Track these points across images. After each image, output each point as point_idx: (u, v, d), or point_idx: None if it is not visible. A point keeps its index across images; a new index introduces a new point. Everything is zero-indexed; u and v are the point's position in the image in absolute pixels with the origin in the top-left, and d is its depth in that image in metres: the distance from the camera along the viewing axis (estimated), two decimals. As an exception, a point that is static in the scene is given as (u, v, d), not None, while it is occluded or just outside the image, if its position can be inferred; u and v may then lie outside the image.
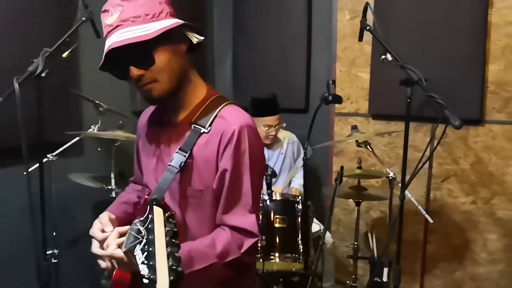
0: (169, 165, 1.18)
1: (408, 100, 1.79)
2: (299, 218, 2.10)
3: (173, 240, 0.86)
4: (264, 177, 2.03)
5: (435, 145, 2.43)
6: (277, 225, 2.07)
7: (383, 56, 1.87)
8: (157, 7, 1.14)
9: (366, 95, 2.92)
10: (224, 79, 3.64)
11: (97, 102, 2.31)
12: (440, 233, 2.79)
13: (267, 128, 2.73)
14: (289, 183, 2.92)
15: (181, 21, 1.16)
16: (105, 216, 1.25)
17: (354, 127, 2.36)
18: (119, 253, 1.02)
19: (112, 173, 2.36)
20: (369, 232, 2.78)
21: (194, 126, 1.21)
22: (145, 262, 0.85)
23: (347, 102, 3.00)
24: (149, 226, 0.91)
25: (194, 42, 1.20)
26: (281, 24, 3.23)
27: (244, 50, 3.44)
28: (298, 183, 2.84)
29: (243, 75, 3.48)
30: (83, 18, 2.09)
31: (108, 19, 1.12)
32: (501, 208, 2.61)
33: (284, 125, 2.80)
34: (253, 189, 1.20)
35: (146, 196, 1.21)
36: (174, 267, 0.81)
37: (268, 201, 2.05)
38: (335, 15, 2.99)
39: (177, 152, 1.19)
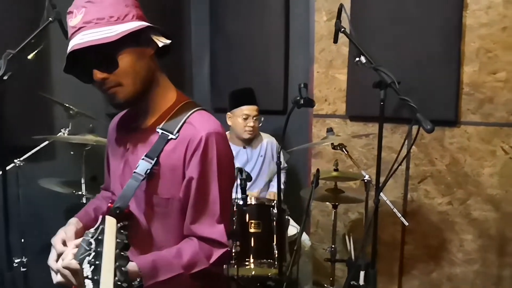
0: (134, 172, 1.15)
1: (382, 103, 1.78)
2: (275, 222, 2.07)
3: (122, 253, 0.82)
4: (239, 181, 2.00)
5: (410, 146, 2.46)
6: (252, 230, 2.04)
7: (357, 59, 1.85)
8: (122, 9, 1.11)
9: (344, 97, 2.92)
10: (202, 80, 3.60)
11: (66, 105, 2.25)
12: (417, 234, 2.80)
13: (245, 118, 2.70)
14: (268, 187, 2.90)
15: (146, 24, 1.13)
16: (72, 228, 1.21)
17: (330, 130, 2.34)
18: (75, 264, 0.96)
19: (82, 179, 2.30)
20: (346, 235, 2.77)
21: (162, 132, 1.17)
22: (90, 276, 0.81)
23: (325, 104, 2.99)
24: (99, 237, 0.87)
25: (159, 46, 1.16)
26: (259, 25, 3.20)
27: (221, 51, 3.40)
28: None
29: (220, 76, 3.44)
30: (50, 18, 2.03)
31: (72, 21, 1.09)
32: (476, 208, 2.63)
33: (262, 119, 2.77)
34: (221, 198, 1.17)
35: (109, 204, 1.17)
36: (119, 283, 0.77)
37: (243, 206, 2.01)
38: (312, 16, 2.97)
39: (143, 158, 1.15)
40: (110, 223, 0.88)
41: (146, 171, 1.14)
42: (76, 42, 1.05)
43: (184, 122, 1.18)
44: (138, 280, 1.06)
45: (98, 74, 1.09)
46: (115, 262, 0.80)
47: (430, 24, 2.55)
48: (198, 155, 1.14)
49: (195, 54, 3.63)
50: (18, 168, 2.14)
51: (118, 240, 0.85)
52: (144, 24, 1.12)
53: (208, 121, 1.20)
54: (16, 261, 2.13)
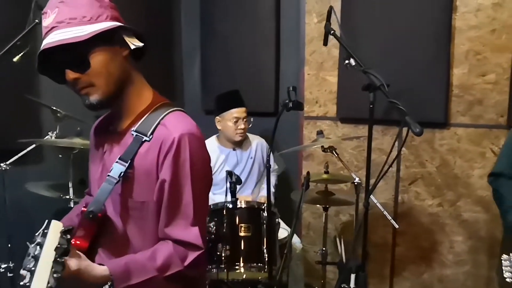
0: (108, 175, 1.14)
1: (371, 106, 1.77)
2: (265, 225, 2.06)
3: (59, 259, 0.79)
4: (229, 184, 1.99)
5: (400, 148, 2.46)
6: (242, 233, 2.03)
7: (346, 61, 1.86)
8: (96, 10, 1.10)
9: (334, 99, 2.91)
10: (192, 82, 3.58)
11: (54, 108, 2.22)
12: (408, 235, 2.80)
13: (235, 121, 2.69)
14: (259, 190, 2.89)
15: (117, 24, 1.11)
16: None
17: (320, 133, 2.34)
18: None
19: (70, 182, 2.27)
20: (337, 237, 2.77)
21: (136, 134, 1.16)
22: (22, 284, 0.79)
23: (316, 106, 2.98)
24: (40, 241, 0.85)
25: (131, 48, 1.15)
26: (250, 26, 3.19)
27: (212, 52, 3.38)
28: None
29: (211, 78, 3.42)
30: (37, 20, 2.01)
31: (45, 21, 1.08)
32: (466, 210, 2.64)
33: (252, 119, 2.76)
34: (195, 200, 1.15)
35: (82, 209, 1.16)
36: None
37: (232, 209, 2.00)
38: (303, 18, 2.96)
39: (116, 161, 1.14)
40: (55, 227, 0.86)
41: (120, 174, 1.13)
42: (48, 41, 1.05)
43: (158, 123, 1.16)
44: (109, 284, 1.06)
45: (70, 74, 1.09)
46: (51, 268, 0.77)
47: (420, 26, 2.56)
48: (170, 157, 1.12)
49: (186, 55, 3.61)
50: (4, 172, 2.11)
51: (58, 245, 0.82)
52: (115, 24, 1.10)
53: (181, 122, 1.18)
54: (2, 266, 2.10)
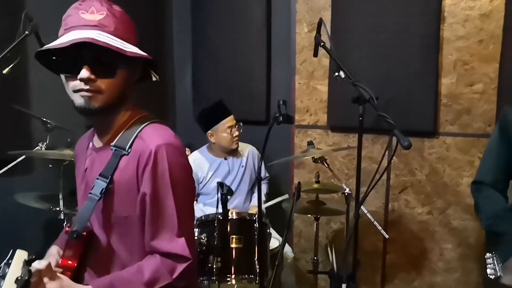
0: (90, 193, 1.14)
1: (361, 118, 1.79)
2: (256, 236, 2.06)
3: None
4: (220, 195, 1.99)
5: (390, 158, 2.48)
6: (233, 245, 2.03)
7: (336, 73, 1.87)
8: (132, 31, 1.18)
9: (325, 108, 2.93)
10: (184, 91, 3.58)
11: (43, 119, 2.21)
12: (398, 243, 2.82)
13: (229, 131, 2.71)
14: (251, 198, 2.89)
15: (149, 57, 1.16)
16: (52, 260, 1.20)
17: (310, 143, 2.35)
18: None
19: (60, 194, 2.25)
20: (328, 246, 2.78)
21: (115, 149, 1.16)
22: None
23: (307, 115, 3.00)
24: (2, 273, 0.84)
25: (153, 80, 1.22)
26: (241, 36, 3.21)
27: (203, 61, 3.39)
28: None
29: (203, 87, 3.43)
30: (27, 32, 2.00)
31: (86, 15, 1.10)
32: (456, 218, 2.67)
33: (242, 124, 2.78)
34: (179, 210, 1.15)
35: (67, 229, 1.15)
36: None
37: (224, 221, 2.00)
38: (293, 27, 2.98)
39: (97, 178, 1.14)
40: (19, 257, 0.85)
41: (101, 190, 1.13)
42: (93, 36, 1.05)
43: (136, 137, 1.17)
44: None
45: (87, 72, 1.08)
46: None
47: (409, 37, 2.59)
48: (149, 170, 1.13)
49: (177, 64, 3.61)
50: (-7, 184, 2.09)
51: (19, 276, 0.81)
52: (148, 56, 1.16)
53: (159, 133, 1.18)
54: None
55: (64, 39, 1.07)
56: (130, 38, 1.16)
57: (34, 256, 0.90)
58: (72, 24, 1.10)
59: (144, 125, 1.20)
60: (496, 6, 2.45)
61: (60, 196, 2.26)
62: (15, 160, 2.22)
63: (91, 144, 1.26)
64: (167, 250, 1.14)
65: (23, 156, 2.22)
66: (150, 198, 1.13)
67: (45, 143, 2.28)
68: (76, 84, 1.10)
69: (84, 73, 1.07)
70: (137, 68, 1.20)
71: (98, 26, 1.09)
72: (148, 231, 1.16)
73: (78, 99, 1.11)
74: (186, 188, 1.21)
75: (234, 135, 2.72)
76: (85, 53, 1.07)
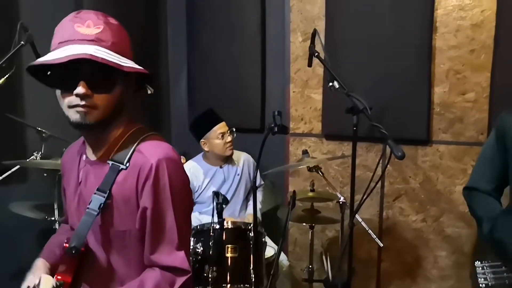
0: (88, 208, 1.13)
1: (355, 128, 1.81)
2: (252, 246, 2.07)
3: None
4: (215, 205, 2.00)
5: (385, 167, 2.50)
6: (228, 254, 2.03)
7: (330, 83, 1.89)
8: (128, 45, 1.17)
9: (319, 116, 2.95)
10: (179, 98, 3.59)
11: (38, 128, 2.21)
12: (393, 251, 2.84)
13: (221, 137, 2.71)
14: (246, 206, 2.90)
15: (146, 71, 1.16)
16: (38, 274, 1.19)
17: (305, 152, 2.37)
18: None
19: (55, 203, 2.25)
20: (323, 254, 2.78)
21: (112, 164, 1.16)
22: None
23: (301, 123, 3.02)
24: None
25: (148, 93, 1.22)
26: (236, 43, 3.23)
27: (199, 68, 3.40)
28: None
29: (198, 94, 3.44)
30: (22, 42, 2.01)
31: (82, 28, 1.08)
32: (449, 225, 2.69)
33: (234, 129, 2.78)
34: (178, 224, 1.16)
35: (65, 244, 1.14)
36: None
37: (219, 230, 2.01)
38: (288, 36, 3.01)
39: (95, 193, 1.14)
40: (46, 283, 0.87)
41: (100, 205, 1.12)
42: (91, 51, 1.04)
43: (134, 150, 1.17)
44: None
45: (84, 88, 1.07)
46: None
47: (402, 46, 2.62)
48: (149, 184, 1.13)
49: (172, 71, 3.62)
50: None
51: None
52: (146, 71, 1.15)
53: (157, 147, 1.19)
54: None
55: (60, 53, 1.05)
56: (125, 51, 1.15)
57: (63, 282, 0.91)
58: (68, 37, 1.08)
59: (141, 138, 1.20)
60: (487, 17, 2.48)
61: (55, 206, 2.26)
62: (10, 169, 2.21)
63: (84, 156, 1.25)
64: (167, 264, 1.15)
65: (18, 166, 2.21)
66: (151, 212, 1.13)
67: (40, 153, 2.28)
68: (72, 99, 1.08)
69: (81, 89, 1.06)
70: (133, 82, 1.19)
71: (95, 40, 1.08)
72: (148, 245, 1.16)
73: (74, 115, 1.10)
74: (185, 201, 1.22)
75: (227, 141, 2.72)
76: (82, 68, 1.05)
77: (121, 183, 1.15)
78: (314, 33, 2.06)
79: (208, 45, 3.32)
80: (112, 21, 1.15)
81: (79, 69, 1.06)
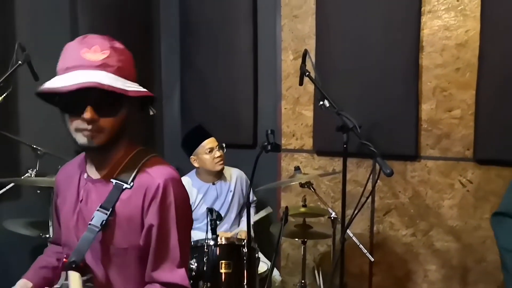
0: (90, 224, 1.16)
1: (345, 146, 1.87)
2: (245, 261, 2.10)
3: None
4: (209, 221, 2.03)
5: (375, 182, 2.55)
6: (222, 270, 2.05)
7: (321, 102, 1.95)
8: (132, 68, 1.19)
9: (310, 132, 3.01)
10: (172, 114, 3.62)
11: (33, 146, 2.23)
12: (384, 265, 2.87)
13: (210, 152, 2.73)
14: (239, 222, 2.92)
15: (151, 94, 1.19)
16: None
17: (297, 168, 2.42)
18: None
19: (50, 220, 2.26)
20: (315, 269, 2.81)
21: (116, 182, 1.20)
22: None
23: (293, 139, 3.08)
24: None
25: (150, 114, 1.25)
26: (228, 60, 3.28)
27: (192, 86, 3.46)
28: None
29: (191, 110, 3.48)
30: (20, 62, 2.04)
31: (89, 53, 1.11)
32: (438, 239, 2.74)
33: (224, 144, 2.80)
34: (181, 242, 1.21)
35: (64, 259, 1.17)
36: None
37: (213, 246, 2.03)
38: (279, 55, 3.08)
39: (98, 210, 1.17)
40: (74, 278, 0.90)
41: (102, 222, 1.15)
42: (98, 79, 1.06)
43: (138, 170, 1.21)
44: None
45: (91, 114, 1.10)
46: None
47: (390, 65, 2.70)
48: (157, 203, 1.17)
49: (165, 87, 3.67)
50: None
51: None
52: (151, 94, 1.19)
53: (162, 168, 1.23)
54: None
55: (69, 80, 1.07)
56: (130, 74, 1.18)
57: (91, 275, 0.94)
58: (75, 63, 1.11)
59: (145, 159, 1.24)
60: (471, 36, 2.57)
61: (50, 223, 2.26)
62: (4, 187, 2.22)
63: (85, 175, 1.27)
64: (168, 280, 1.18)
65: (12, 184, 2.23)
66: (157, 230, 1.17)
67: (34, 170, 2.29)
68: (79, 123, 1.12)
69: (88, 114, 1.09)
70: (136, 104, 1.22)
71: (102, 66, 1.11)
72: (151, 262, 1.19)
73: (81, 138, 1.13)
74: (187, 220, 1.28)
75: (216, 156, 2.73)
76: (89, 94, 1.08)
77: (125, 201, 1.18)
78: (305, 53, 2.12)
79: (201, 63, 3.37)
80: (118, 45, 1.17)
81: (86, 95, 1.08)
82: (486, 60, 2.52)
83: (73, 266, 1.14)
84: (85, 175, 1.27)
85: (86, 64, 1.10)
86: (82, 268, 1.17)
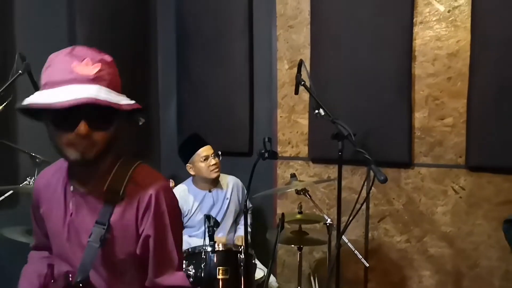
0: (89, 241, 1.16)
1: (340, 153, 1.91)
2: (242, 268, 2.12)
3: None
4: (207, 228, 2.06)
5: (369, 189, 2.59)
6: (220, 276, 2.08)
7: (316, 111, 1.99)
8: (119, 81, 1.17)
9: (306, 140, 3.06)
10: (169, 124, 3.66)
11: (32, 154, 2.25)
12: (379, 271, 2.91)
13: (205, 160, 2.76)
14: (235, 229, 2.95)
15: (140, 106, 1.16)
16: None
17: (293, 175, 2.45)
18: None
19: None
20: (311, 275, 2.84)
21: (107, 196, 1.19)
22: None
23: (288, 147, 3.12)
24: None
25: (139, 124, 1.23)
26: (224, 70, 3.33)
27: (188, 95, 3.49)
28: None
29: (187, 120, 3.52)
30: (20, 71, 2.07)
31: (81, 67, 1.06)
32: (432, 245, 2.78)
33: (219, 152, 2.83)
34: (177, 246, 1.25)
35: (70, 279, 1.17)
36: None
37: (210, 253, 2.06)
38: (274, 64, 3.14)
39: (95, 226, 1.17)
40: None
41: (101, 237, 1.15)
42: (93, 93, 1.03)
43: (128, 181, 1.20)
44: None
45: (85, 128, 1.06)
46: None
47: (383, 74, 2.75)
48: (150, 213, 1.19)
49: (162, 97, 3.70)
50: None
51: None
52: (140, 106, 1.15)
53: (152, 177, 1.24)
54: (-25, 316, 2.05)
55: (62, 95, 1.02)
56: (118, 86, 1.15)
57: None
58: (67, 77, 1.05)
59: (132, 168, 1.23)
60: (462, 46, 2.64)
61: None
62: (3, 195, 2.24)
63: (71, 187, 1.23)
64: (171, 284, 1.23)
65: (11, 192, 2.24)
66: (154, 240, 1.20)
67: (33, 178, 2.30)
68: (72, 138, 1.08)
69: (83, 129, 1.06)
70: (125, 115, 1.18)
71: (96, 80, 1.07)
72: (152, 269, 1.22)
73: (73, 154, 1.10)
74: (179, 223, 1.34)
75: (211, 164, 2.76)
76: (82, 108, 1.04)
77: (119, 214, 1.19)
78: (301, 63, 2.17)
79: (198, 73, 3.41)
80: (107, 57, 1.14)
81: (79, 109, 1.04)
82: (477, 70, 2.57)
83: (81, 285, 1.14)
84: (71, 188, 1.24)
85: (79, 78, 1.05)
86: (88, 286, 1.18)
